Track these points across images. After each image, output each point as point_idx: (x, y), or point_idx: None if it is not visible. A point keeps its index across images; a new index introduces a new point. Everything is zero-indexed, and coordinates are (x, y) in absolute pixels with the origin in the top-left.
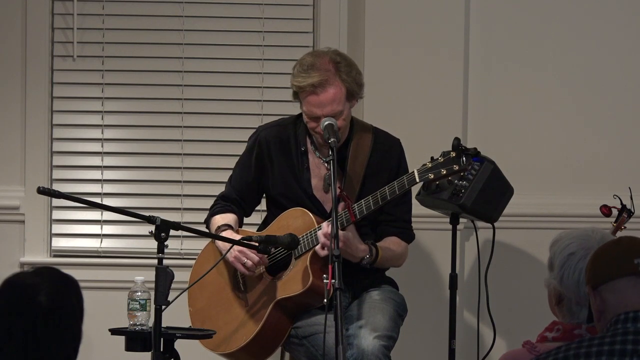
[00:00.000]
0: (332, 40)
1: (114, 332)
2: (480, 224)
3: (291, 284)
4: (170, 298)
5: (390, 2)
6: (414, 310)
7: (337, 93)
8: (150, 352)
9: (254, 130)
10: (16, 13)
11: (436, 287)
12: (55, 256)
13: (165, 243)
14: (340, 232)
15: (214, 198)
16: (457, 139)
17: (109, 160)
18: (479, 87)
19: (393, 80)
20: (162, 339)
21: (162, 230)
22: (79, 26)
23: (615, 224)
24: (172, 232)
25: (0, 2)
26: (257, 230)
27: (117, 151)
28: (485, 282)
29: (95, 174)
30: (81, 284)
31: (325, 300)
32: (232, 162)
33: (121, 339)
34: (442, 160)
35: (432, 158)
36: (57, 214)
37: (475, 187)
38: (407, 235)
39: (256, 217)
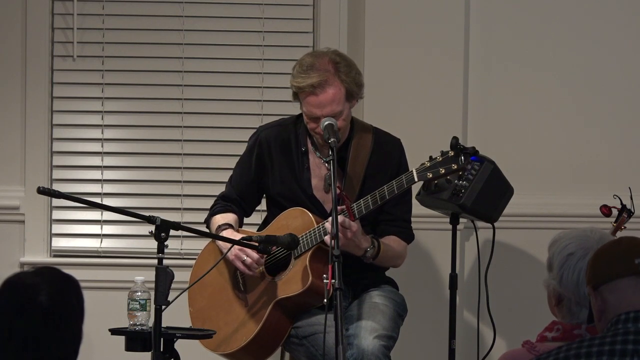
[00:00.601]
0: (332, 40)
1: (114, 332)
2: (480, 224)
3: (291, 283)
4: (170, 298)
5: (390, 2)
6: (414, 310)
7: (336, 93)
8: (150, 352)
9: (254, 130)
10: (16, 13)
11: (436, 287)
12: (55, 256)
13: (165, 243)
14: (349, 222)
15: (214, 198)
16: (455, 138)
17: (109, 160)
18: (479, 87)
19: (393, 80)
20: (162, 339)
21: (162, 230)
22: (79, 26)
23: (615, 224)
24: (172, 232)
25: (0, 2)
26: (257, 230)
27: (117, 151)
28: (485, 282)
29: (95, 174)
30: (81, 284)
31: (325, 300)
32: (232, 162)
33: (121, 339)
34: (440, 159)
35: (430, 157)
36: (57, 214)
37: (475, 187)
38: (407, 235)
39: (256, 217)
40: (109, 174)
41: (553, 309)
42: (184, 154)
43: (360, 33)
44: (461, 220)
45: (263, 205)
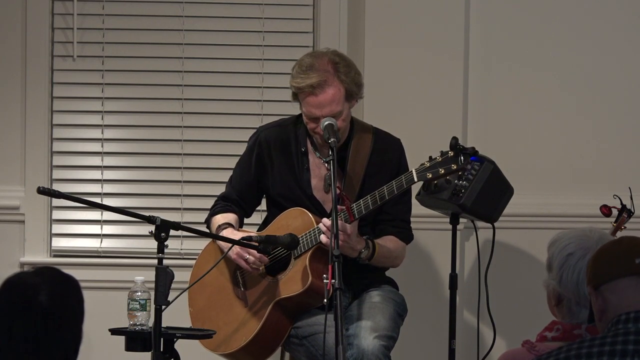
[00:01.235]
0: (332, 40)
1: (114, 332)
2: (480, 224)
3: (291, 283)
4: (170, 298)
5: (390, 2)
6: (414, 310)
7: (336, 94)
8: (150, 352)
9: (254, 130)
10: (16, 13)
11: (436, 287)
12: (55, 256)
13: (165, 243)
14: (344, 224)
15: (214, 198)
16: (454, 138)
17: (109, 160)
18: (479, 87)
19: (393, 80)
20: (162, 339)
21: (162, 230)
22: (79, 26)
23: (615, 224)
24: (172, 232)
25: (0, 2)
26: (257, 231)
27: (117, 151)
28: (485, 282)
29: (95, 174)
30: (81, 284)
31: (325, 300)
32: (232, 162)
33: (121, 339)
34: (440, 159)
35: (430, 157)
36: (57, 214)
37: (475, 187)
38: (406, 236)
39: (256, 217)
40: (109, 174)
41: (553, 309)
42: (184, 154)
43: (360, 33)
44: (461, 220)
45: (263, 205)
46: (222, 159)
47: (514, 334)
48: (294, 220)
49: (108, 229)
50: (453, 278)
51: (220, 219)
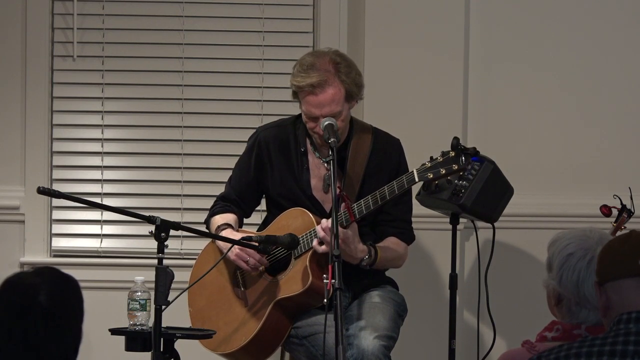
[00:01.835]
0: (332, 40)
1: (114, 332)
2: (480, 224)
3: (291, 283)
4: (170, 298)
5: (390, 2)
6: (414, 310)
7: (336, 94)
8: (150, 352)
9: (254, 130)
10: (16, 13)
11: (436, 287)
12: (55, 256)
13: (165, 243)
14: (340, 230)
15: (214, 198)
16: (456, 139)
17: (109, 160)
18: (479, 87)
19: (393, 80)
20: (162, 339)
21: (162, 230)
22: (79, 26)
23: (615, 224)
24: (172, 232)
25: (0, 2)
26: (257, 231)
27: (117, 151)
28: (485, 282)
29: (95, 174)
30: (81, 284)
31: (325, 300)
32: (232, 162)
33: (121, 339)
34: (441, 159)
35: (431, 158)
36: (57, 214)
37: (475, 187)
38: (407, 236)
39: (256, 217)
40: (109, 174)
41: (552, 309)
42: (184, 154)
43: (360, 33)
44: (461, 220)
45: (263, 205)
46: (222, 159)
47: (514, 334)
48: (294, 221)
49: (108, 229)
50: (453, 278)
51: (219, 219)
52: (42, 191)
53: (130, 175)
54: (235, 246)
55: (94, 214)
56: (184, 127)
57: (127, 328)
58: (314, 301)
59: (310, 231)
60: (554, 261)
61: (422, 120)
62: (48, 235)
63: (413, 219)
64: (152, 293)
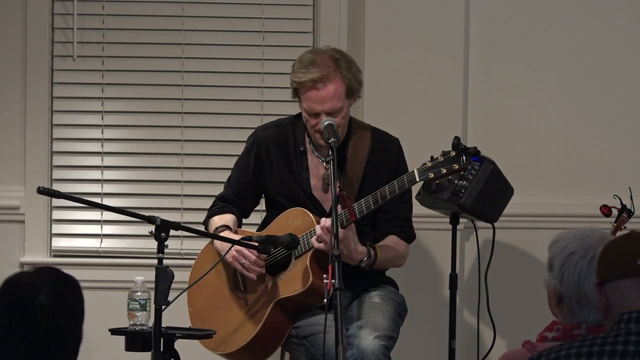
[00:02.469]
0: (332, 41)
1: (114, 332)
2: (480, 224)
3: (291, 283)
4: (170, 298)
5: (390, 2)
6: (414, 310)
7: (337, 89)
8: (150, 352)
9: (253, 130)
10: (16, 13)
11: (436, 287)
12: (55, 256)
13: (165, 243)
14: (340, 231)
15: (214, 198)
16: (457, 138)
17: (109, 160)
18: (479, 87)
19: (393, 80)
20: (162, 339)
21: (162, 230)
22: (79, 26)
23: (615, 224)
24: (172, 232)
25: (0, 2)
26: (257, 231)
27: (117, 151)
28: (485, 282)
29: (95, 174)
30: (81, 284)
31: (325, 300)
32: (232, 162)
33: (121, 339)
34: (442, 159)
35: (432, 157)
36: (57, 214)
37: (475, 187)
38: (408, 235)
39: (256, 218)
40: (109, 174)
41: (553, 308)
42: (184, 154)
43: (360, 33)
44: (461, 220)
45: (262, 205)
46: (222, 159)
47: (514, 334)
48: (294, 220)
49: (108, 229)
50: (453, 278)
51: (217, 220)
52: (42, 191)
53: (130, 175)
54: (232, 249)
55: (94, 214)
56: (184, 127)
57: (127, 328)
58: (314, 301)
59: (311, 231)
60: (555, 261)
61: (422, 120)
62: (48, 235)
63: (413, 219)
64: (152, 293)
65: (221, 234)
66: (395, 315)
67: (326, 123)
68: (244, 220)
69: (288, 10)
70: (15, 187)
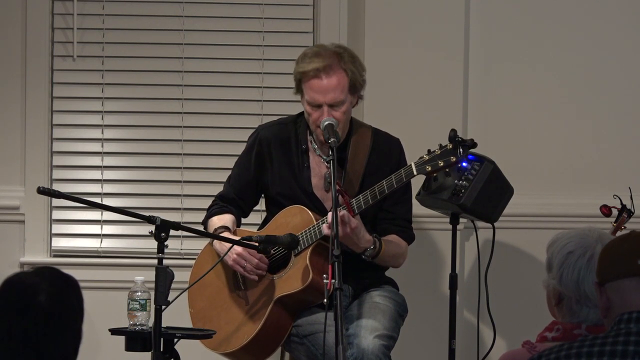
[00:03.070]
0: (332, 41)
1: (114, 332)
2: (480, 224)
3: (291, 281)
4: (170, 298)
5: (390, 2)
6: (414, 310)
7: (341, 80)
8: (150, 352)
9: (254, 130)
10: (16, 13)
11: (436, 287)
12: (55, 256)
13: (165, 243)
14: (350, 217)
15: (213, 198)
16: (453, 131)
17: (109, 160)
18: (479, 87)
19: (393, 80)
20: (162, 339)
21: (162, 230)
22: (79, 26)
23: (615, 224)
24: (172, 232)
25: (0, 2)
26: (257, 230)
27: (117, 151)
28: (485, 282)
29: (95, 174)
30: (81, 284)
31: (325, 300)
32: (232, 162)
33: (121, 339)
34: (439, 152)
35: (429, 151)
36: (57, 214)
37: (475, 187)
38: (408, 235)
39: (256, 218)
40: (109, 174)
41: (553, 309)
42: (184, 154)
43: (360, 33)
44: (461, 220)
45: (262, 205)
46: (222, 159)
47: (514, 334)
48: (293, 218)
49: (108, 229)
50: (453, 278)
51: (216, 221)
52: (42, 191)
53: (130, 175)
54: (233, 252)
55: (94, 214)
56: (184, 127)
57: (127, 328)
58: (315, 298)
59: (310, 227)
60: (554, 260)
61: (422, 121)
62: (48, 235)
63: (413, 219)
64: (152, 293)
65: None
66: (396, 315)
67: (326, 123)
68: (244, 220)
69: (288, 10)
70: (15, 187)
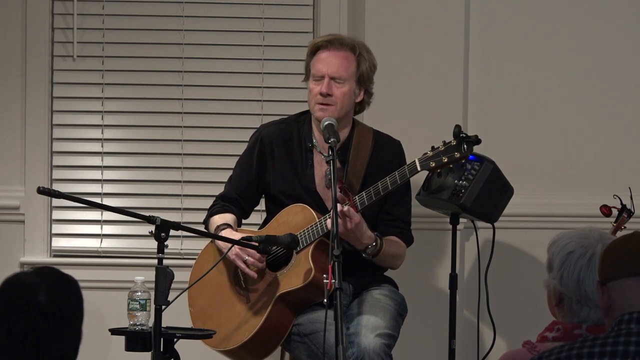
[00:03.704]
0: None
1: (114, 332)
2: (480, 224)
3: (293, 278)
4: (170, 298)
5: (390, 2)
6: (414, 310)
7: (348, 59)
8: (150, 352)
9: (255, 129)
10: (16, 13)
11: (436, 287)
12: (55, 256)
13: (165, 243)
14: (353, 212)
15: (214, 198)
16: (457, 127)
17: (109, 160)
18: (479, 87)
19: (393, 80)
20: (162, 339)
21: (162, 230)
22: (79, 26)
23: (615, 224)
24: (172, 232)
25: (0, 2)
26: (258, 230)
27: (117, 151)
28: (485, 282)
29: (95, 174)
30: (81, 284)
31: (325, 299)
32: (232, 162)
33: (121, 339)
34: (443, 148)
35: (432, 147)
36: (57, 214)
37: (475, 187)
38: (407, 237)
39: (256, 217)
40: (109, 174)
41: (553, 309)
42: (184, 154)
43: (360, 34)
44: (461, 220)
45: (262, 205)
46: (222, 159)
47: (514, 334)
48: (294, 216)
49: (108, 229)
50: (453, 278)
51: (218, 219)
52: (42, 191)
53: (130, 175)
54: (235, 246)
55: (94, 214)
56: (184, 127)
57: (127, 328)
58: (316, 296)
59: (312, 225)
60: (554, 260)
61: (422, 121)
62: (48, 235)
63: (413, 219)
64: (152, 293)
65: (222, 232)
66: (396, 314)
67: (326, 123)
68: (245, 220)
69: (288, 10)
70: (15, 187)
